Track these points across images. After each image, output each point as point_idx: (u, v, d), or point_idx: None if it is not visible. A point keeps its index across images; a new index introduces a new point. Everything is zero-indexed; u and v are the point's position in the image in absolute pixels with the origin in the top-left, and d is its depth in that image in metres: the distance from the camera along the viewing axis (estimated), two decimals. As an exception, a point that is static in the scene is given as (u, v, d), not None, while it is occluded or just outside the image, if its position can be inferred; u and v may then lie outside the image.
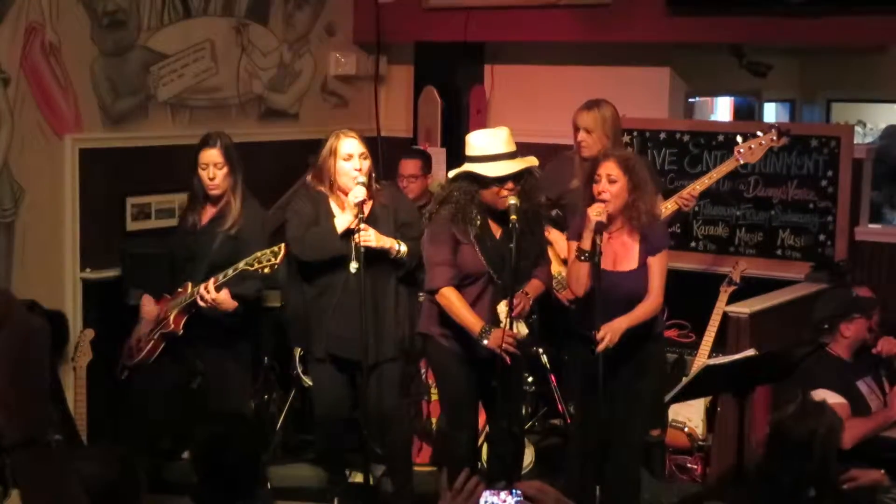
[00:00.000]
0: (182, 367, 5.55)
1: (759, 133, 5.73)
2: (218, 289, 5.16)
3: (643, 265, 5.00)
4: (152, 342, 5.40)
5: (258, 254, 5.05)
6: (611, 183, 4.92)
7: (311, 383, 6.38)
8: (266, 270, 5.06)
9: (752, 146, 5.69)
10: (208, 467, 3.78)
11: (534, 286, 5.09)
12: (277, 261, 5.02)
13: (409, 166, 6.58)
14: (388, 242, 5.11)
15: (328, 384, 5.36)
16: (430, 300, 5.14)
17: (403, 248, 5.16)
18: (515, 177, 4.93)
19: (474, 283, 5.03)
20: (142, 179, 6.51)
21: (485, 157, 4.93)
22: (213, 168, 5.35)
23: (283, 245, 5.06)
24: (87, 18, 6.32)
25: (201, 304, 5.18)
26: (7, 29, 5.97)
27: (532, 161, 5.04)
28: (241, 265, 5.08)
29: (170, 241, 5.70)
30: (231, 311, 5.23)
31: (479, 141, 5.00)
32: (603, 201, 4.89)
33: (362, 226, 5.00)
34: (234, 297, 5.21)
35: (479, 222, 4.99)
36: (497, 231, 5.05)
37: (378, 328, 5.20)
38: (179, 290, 5.37)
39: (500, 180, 4.90)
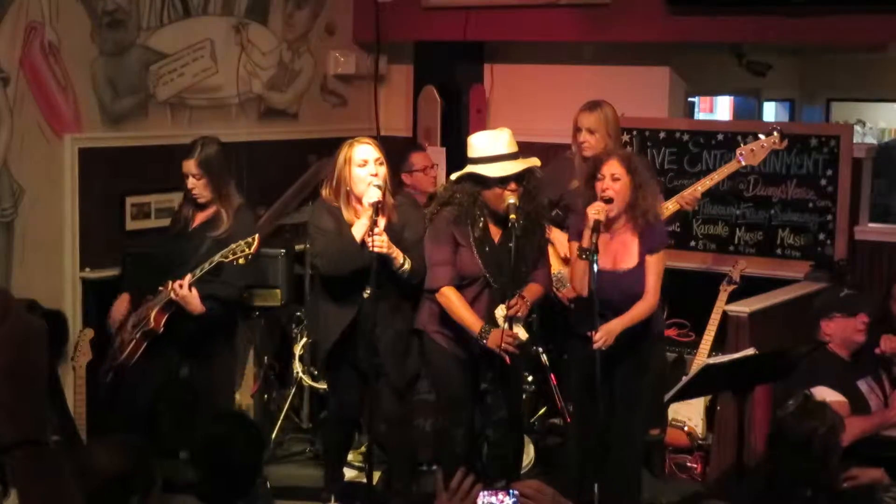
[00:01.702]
0: (166, 366, 5.55)
1: (761, 135, 5.73)
2: (191, 286, 5.17)
3: (642, 263, 5.00)
4: (134, 342, 5.40)
5: (233, 245, 5.07)
6: (614, 181, 4.93)
7: (310, 383, 6.42)
8: (241, 261, 5.08)
9: (754, 148, 5.69)
10: (209, 465, 3.79)
11: (532, 290, 5.08)
12: (251, 250, 5.03)
13: (421, 158, 6.58)
14: (396, 251, 5.05)
15: (347, 385, 5.37)
16: (428, 298, 5.14)
17: (408, 264, 5.10)
18: (517, 177, 4.93)
19: (470, 285, 5.03)
20: (141, 179, 6.51)
21: (487, 158, 4.94)
22: (191, 178, 5.39)
23: (256, 236, 5.06)
24: (86, 18, 6.32)
25: (173, 296, 5.20)
26: (6, 28, 5.97)
27: (534, 161, 5.04)
28: (217, 257, 5.10)
29: (163, 241, 5.69)
30: (200, 314, 5.24)
31: (481, 142, 5.00)
32: (606, 200, 4.89)
33: (376, 230, 4.93)
34: (206, 297, 5.22)
35: (480, 224, 4.99)
36: (496, 235, 5.05)
37: (396, 350, 5.21)
38: (161, 288, 5.38)
39: (503, 181, 4.90)
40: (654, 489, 5.77)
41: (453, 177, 5.09)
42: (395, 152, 7.01)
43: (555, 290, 5.55)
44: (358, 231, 5.03)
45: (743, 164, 5.74)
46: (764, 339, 5.55)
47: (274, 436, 6.38)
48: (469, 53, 7.58)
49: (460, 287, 5.02)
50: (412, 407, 5.75)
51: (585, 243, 4.84)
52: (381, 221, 5.05)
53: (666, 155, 6.93)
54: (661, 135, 6.96)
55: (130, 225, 6.51)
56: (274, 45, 7.41)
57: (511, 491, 2.86)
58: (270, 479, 5.68)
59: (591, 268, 4.80)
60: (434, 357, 5.23)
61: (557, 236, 5.55)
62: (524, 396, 5.96)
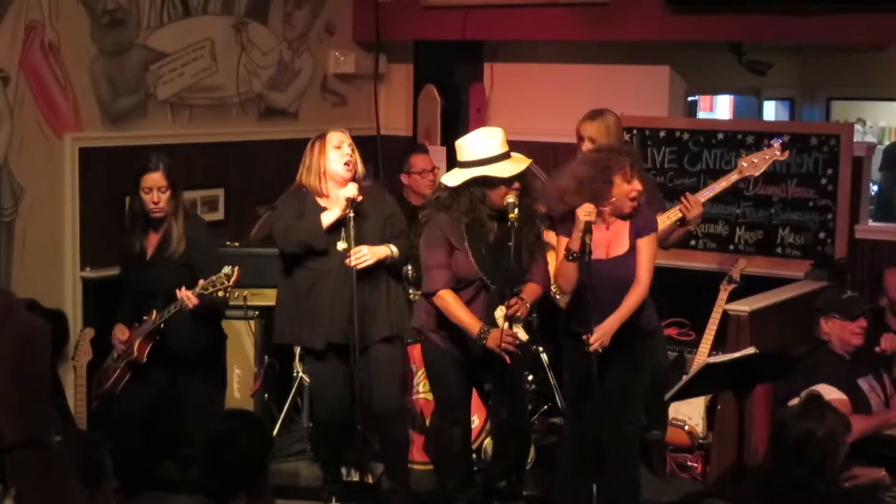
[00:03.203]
0: (155, 387, 5.49)
1: (764, 146, 5.74)
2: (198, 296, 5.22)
3: (633, 248, 4.98)
4: (118, 371, 5.41)
5: (213, 277, 5.11)
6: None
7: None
8: (220, 293, 5.12)
9: (756, 160, 5.68)
10: (214, 462, 3.79)
11: (531, 291, 5.06)
12: (230, 283, 5.09)
13: (422, 160, 6.59)
14: (381, 252, 5.19)
15: (328, 381, 5.37)
16: (421, 299, 5.16)
17: (395, 249, 5.24)
18: (521, 176, 4.95)
19: (466, 288, 5.03)
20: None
21: (490, 158, 4.94)
22: (156, 192, 5.33)
23: (236, 269, 5.10)
24: (86, 17, 6.32)
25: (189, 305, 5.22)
26: (7, 28, 5.97)
27: (527, 159, 5.05)
28: (198, 290, 5.14)
29: (125, 268, 5.63)
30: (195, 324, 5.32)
31: (478, 144, 4.99)
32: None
33: (353, 248, 5.08)
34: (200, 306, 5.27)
35: (483, 227, 4.97)
36: (491, 236, 5.04)
37: (369, 311, 5.23)
38: (145, 318, 5.37)
39: (510, 181, 4.91)
40: (654, 488, 5.76)
41: (456, 181, 5.04)
42: (396, 151, 7.03)
43: (554, 294, 5.53)
44: (328, 218, 5.17)
45: (744, 175, 5.72)
46: (764, 338, 5.54)
47: (274, 435, 6.37)
48: (469, 52, 7.58)
49: (456, 290, 5.02)
50: (406, 404, 5.76)
51: (574, 245, 4.83)
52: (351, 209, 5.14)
53: (666, 154, 6.93)
54: (661, 134, 6.96)
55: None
56: (274, 44, 7.41)
57: None
58: (271, 478, 5.67)
59: (584, 267, 4.80)
60: (431, 357, 5.23)
61: (554, 238, 5.54)
62: (525, 396, 5.96)
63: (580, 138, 5.64)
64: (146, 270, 5.43)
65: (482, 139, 5.01)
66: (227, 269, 5.09)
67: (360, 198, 5.16)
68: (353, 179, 5.24)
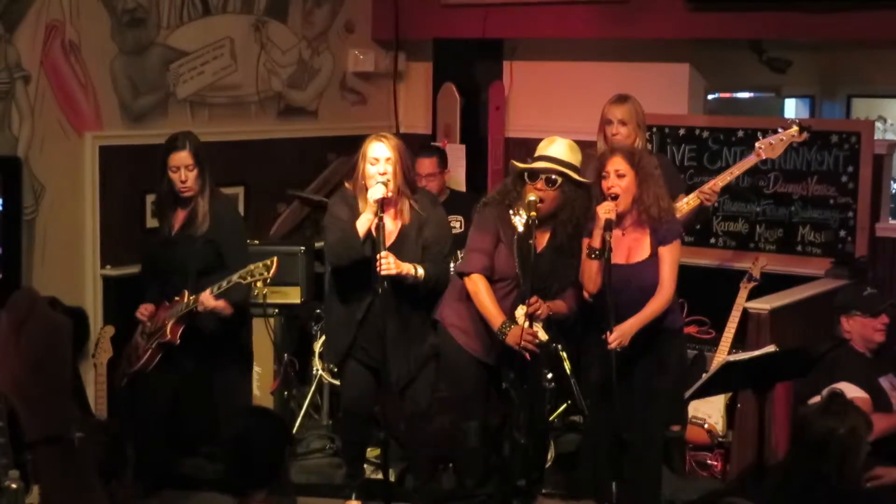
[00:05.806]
0: (182, 370, 5.51)
1: (779, 129, 5.72)
2: (217, 298, 5.21)
3: (654, 255, 4.97)
4: (150, 351, 5.41)
5: (251, 266, 5.11)
6: (619, 178, 4.90)
7: (330, 380, 6.41)
8: (258, 284, 5.12)
9: (773, 142, 5.67)
10: (234, 457, 3.80)
11: (556, 305, 5.07)
12: (269, 274, 5.08)
13: (426, 165, 6.55)
14: (406, 268, 5.08)
15: (354, 378, 5.38)
16: (451, 286, 5.18)
17: (421, 271, 5.13)
18: (549, 180, 4.93)
19: (501, 284, 5.05)
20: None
21: (537, 157, 5.01)
22: (183, 170, 5.35)
23: (275, 259, 5.08)
24: (106, 16, 6.35)
25: (200, 309, 5.22)
26: (27, 28, 6.00)
27: (574, 174, 5.01)
28: (235, 278, 5.13)
29: (150, 250, 5.68)
30: (227, 316, 5.30)
31: (543, 143, 5.08)
32: (612, 197, 4.88)
33: (383, 253, 4.96)
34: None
35: (523, 225, 4.98)
36: (541, 242, 5.04)
37: (405, 348, 5.22)
38: (176, 298, 5.38)
39: (532, 173, 4.93)
40: (674, 486, 5.75)
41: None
42: (415, 150, 7.01)
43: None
44: (361, 224, 5.10)
45: (762, 157, 5.72)
46: (784, 336, 5.54)
47: (294, 433, 6.38)
48: (488, 50, 7.57)
49: (490, 283, 5.03)
50: (431, 404, 5.75)
51: (596, 243, 4.84)
52: (388, 220, 5.08)
53: (686, 152, 6.91)
54: (681, 131, 6.95)
55: (150, 222, 6.51)
56: (293, 42, 7.43)
57: None
58: (291, 475, 5.68)
59: (605, 267, 4.80)
60: (449, 352, 5.24)
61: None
62: (545, 394, 5.95)
63: (608, 121, 5.61)
64: (170, 247, 5.46)
65: (546, 141, 5.09)
66: (266, 261, 5.08)
67: (389, 194, 5.05)
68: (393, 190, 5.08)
